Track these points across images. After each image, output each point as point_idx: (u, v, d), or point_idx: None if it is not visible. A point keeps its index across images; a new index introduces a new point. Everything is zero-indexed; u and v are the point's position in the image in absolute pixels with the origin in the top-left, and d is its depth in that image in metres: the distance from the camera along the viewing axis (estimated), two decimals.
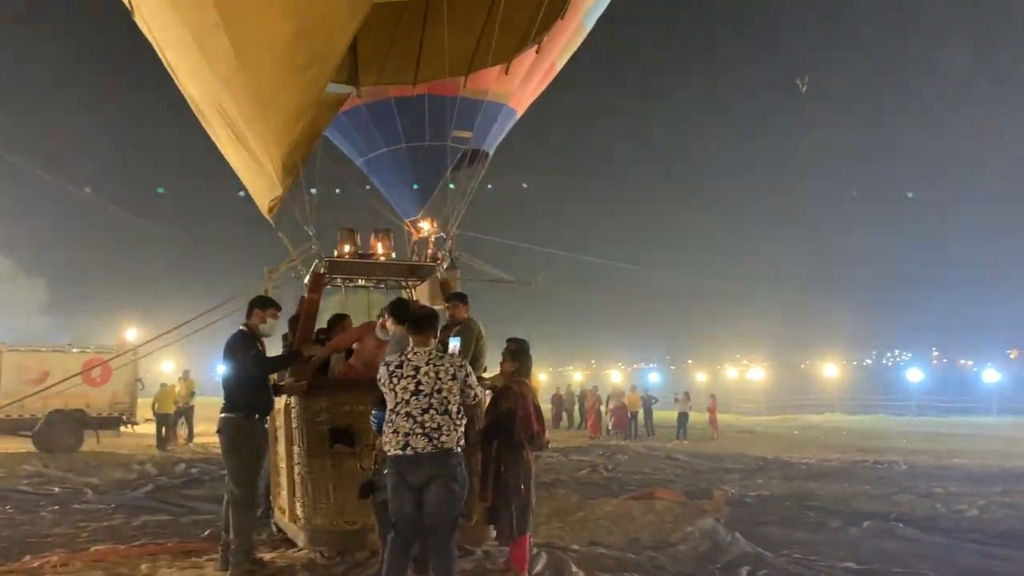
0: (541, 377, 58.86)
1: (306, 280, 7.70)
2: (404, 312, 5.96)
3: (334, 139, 11.67)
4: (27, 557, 6.35)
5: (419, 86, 9.89)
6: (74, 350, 19.58)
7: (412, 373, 4.87)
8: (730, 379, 52.03)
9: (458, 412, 4.95)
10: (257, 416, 6.20)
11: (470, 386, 5.06)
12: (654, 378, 51.54)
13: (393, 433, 4.82)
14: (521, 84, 10.72)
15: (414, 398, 4.83)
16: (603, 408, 26.74)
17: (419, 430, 4.77)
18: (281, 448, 6.93)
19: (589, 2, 9.84)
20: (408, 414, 4.80)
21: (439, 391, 4.86)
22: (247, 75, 6.38)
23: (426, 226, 10.59)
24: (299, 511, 6.40)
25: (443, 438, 4.79)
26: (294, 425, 6.47)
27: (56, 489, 10.65)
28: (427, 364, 4.90)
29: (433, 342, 5.15)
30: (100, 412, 18.38)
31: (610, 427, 25.37)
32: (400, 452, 4.78)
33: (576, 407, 31.41)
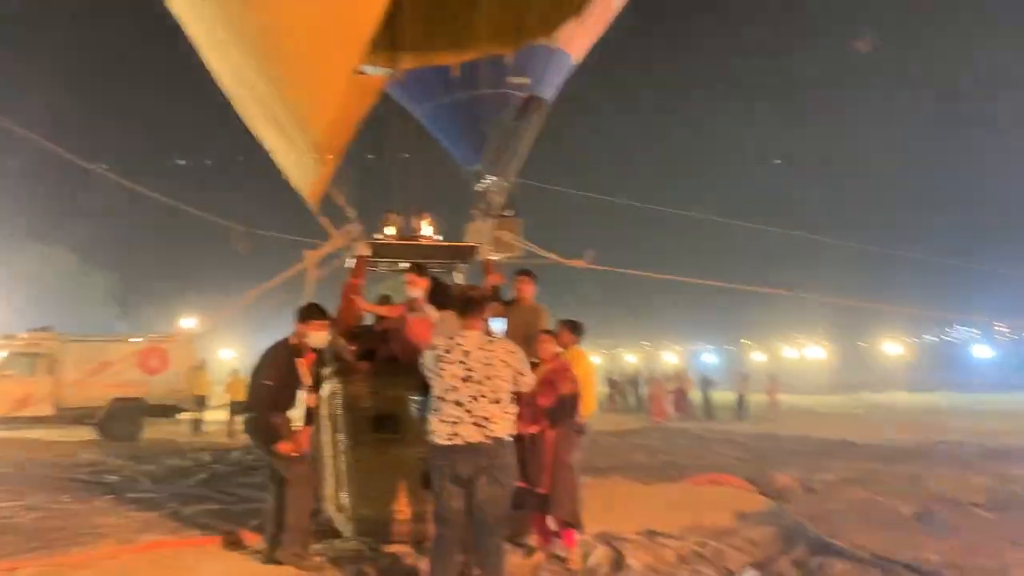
0: (595, 360, 58.71)
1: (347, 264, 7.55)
2: (444, 297, 5.72)
3: (392, 93, 11.48)
4: (75, 549, 6.32)
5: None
6: (131, 339, 19.90)
7: (461, 358, 4.62)
8: (788, 359, 51.01)
9: (510, 401, 4.69)
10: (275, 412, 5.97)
11: (523, 373, 4.80)
12: (710, 359, 50.90)
13: (440, 422, 4.57)
14: (577, 29, 10.31)
15: (464, 384, 4.58)
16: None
17: (468, 419, 4.52)
18: (326, 436, 6.77)
19: None
20: (457, 402, 4.56)
21: (490, 378, 4.61)
22: (278, 55, 6.21)
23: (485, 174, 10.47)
24: (345, 501, 6.24)
25: (493, 427, 4.54)
26: (337, 412, 6.30)
27: (113, 478, 10.73)
28: (478, 349, 4.65)
29: (482, 325, 4.88)
30: (159, 400, 18.61)
31: (671, 410, 24.92)
32: (447, 442, 4.53)
33: (631, 390, 30.95)
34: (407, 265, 8.15)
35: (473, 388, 4.57)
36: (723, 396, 28.16)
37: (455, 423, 4.52)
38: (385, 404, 6.14)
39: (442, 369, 4.62)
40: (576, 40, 10.70)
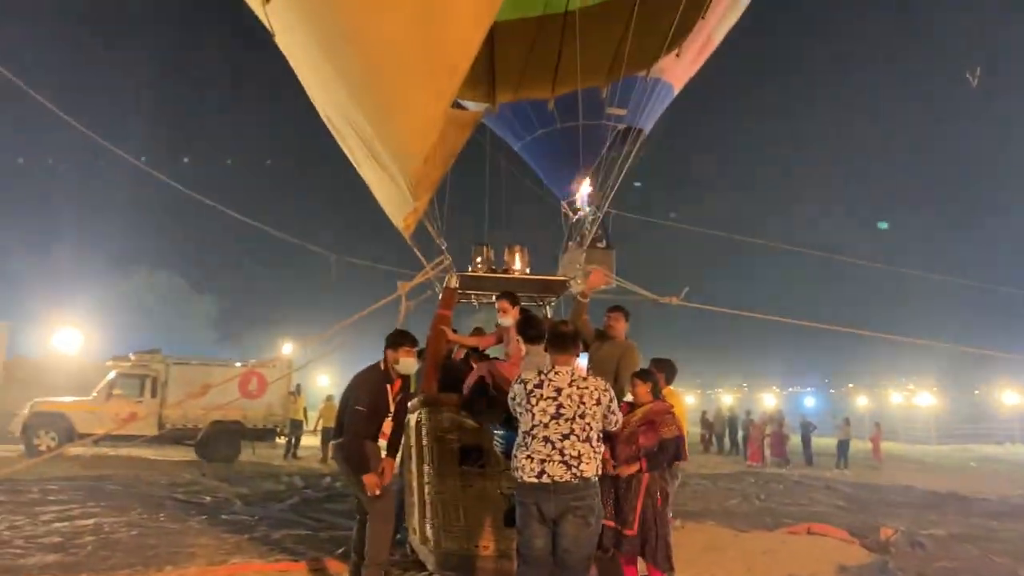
0: (689, 400, 57.41)
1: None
2: (534, 330, 5.63)
3: (490, 125, 11.60)
4: (168, 568, 6.47)
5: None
6: (237, 364, 20.55)
7: (553, 395, 4.50)
8: (895, 404, 48.61)
9: (598, 440, 4.56)
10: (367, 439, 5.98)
11: (613, 412, 4.68)
12: (810, 403, 48.99)
13: (527, 458, 4.46)
14: (677, 61, 10.17)
15: (554, 422, 4.46)
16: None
17: (557, 457, 4.40)
18: (413, 465, 6.75)
19: None
20: (546, 438, 4.44)
21: (582, 416, 4.48)
22: (376, 88, 6.33)
23: (582, 205, 10.40)
24: (428, 532, 6.18)
25: (583, 467, 4.40)
26: (424, 443, 6.27)
27: (207, 499, 11.02)
28: (570, 386, 4.53)
29: (575, 362, 4.77)
30: (256, 424, 19.12)
31: (768, 454, 24.01)
32: (535, 480, 4.41)
33: (726, 432, 30.02)
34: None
35: (564, 426, 4.45)
36: (824, 441, 27.02)
37: (544, 461, 4.41)
38: (471, 436, 6.09)
39: (532, 404, 4.51)
40: (677, 70, 10.56)
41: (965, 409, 46.19)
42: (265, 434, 19.43)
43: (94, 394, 18.23)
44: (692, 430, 32.89)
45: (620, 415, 4.81)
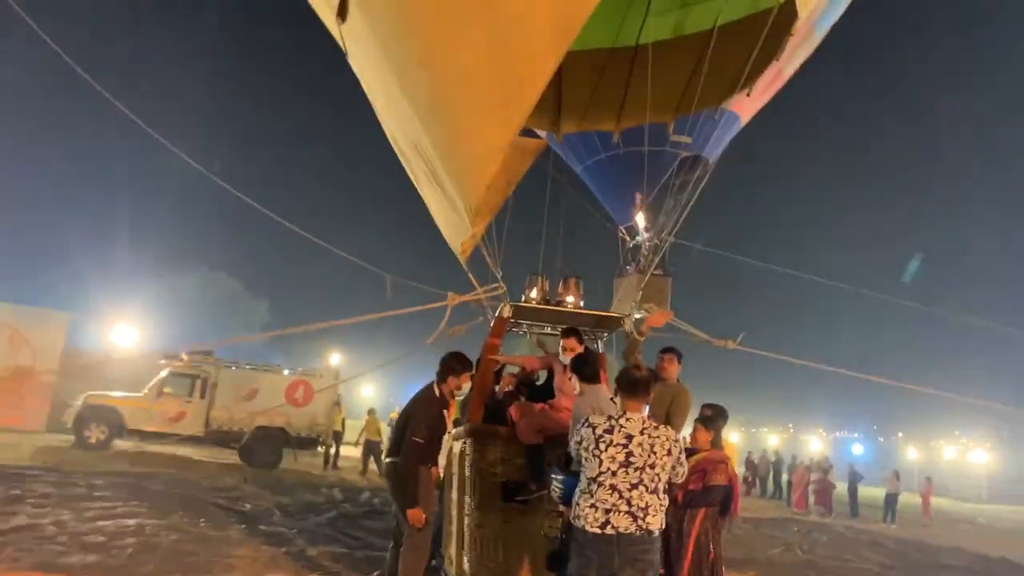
0: (733, 438, 56.44)
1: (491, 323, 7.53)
2: (590, 368, 5.53)
3: (554, 147, 11.58)
4: None
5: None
6: (285, 371, 20.78)
7: (624, 442, 4.32)
8: (946, 459, 47.14)
9: (665, 491, 4.39)
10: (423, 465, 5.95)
11: (681, 463, 4.51)
12: (858, 450, 47.76)
13: (591, 507, 4.28)
14: (748, 96, 10.02)
15: (623, 470, 4.28)
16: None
17: (624, 507, 4.23)
18: (454, 494, 6.70)
19: (813, 17, 8.87)
20: (613, 487, 4.26)
21: (652, 466, 4.31)
22: (444, 113, 6.34)
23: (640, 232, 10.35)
24: (465, 565, 6.11)
25: (649, 519, 4.25)
26: (467, 474, 6.21)
27: (248, 507, 11.10)
28: (641, 434, 4.36)
29: (645, 408, 4.63)
30: (299, 432, 19.26)
31: (811, 502, 23.39)
32: (598, 531, 4.23)
33: (770, 474, 29.39)
34: (550, 328, 8.12)
35: (633, 475, 4.29)
36: (870, 492, 26.27)
37: (609, 511, 4.24)
38: (516, 472, 6.01)
39: (601, 451, 4.33)
40: (745, 102, 10.42)
41: (1018, 468, 44.57)
42: (308, 443, 19.55)
43: (145, 391, 18.57)
44: (737, 470, 32.27)
45: (686, 466, 4.64)
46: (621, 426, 4.37)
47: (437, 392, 5.95)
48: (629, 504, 4.23)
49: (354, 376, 23.37)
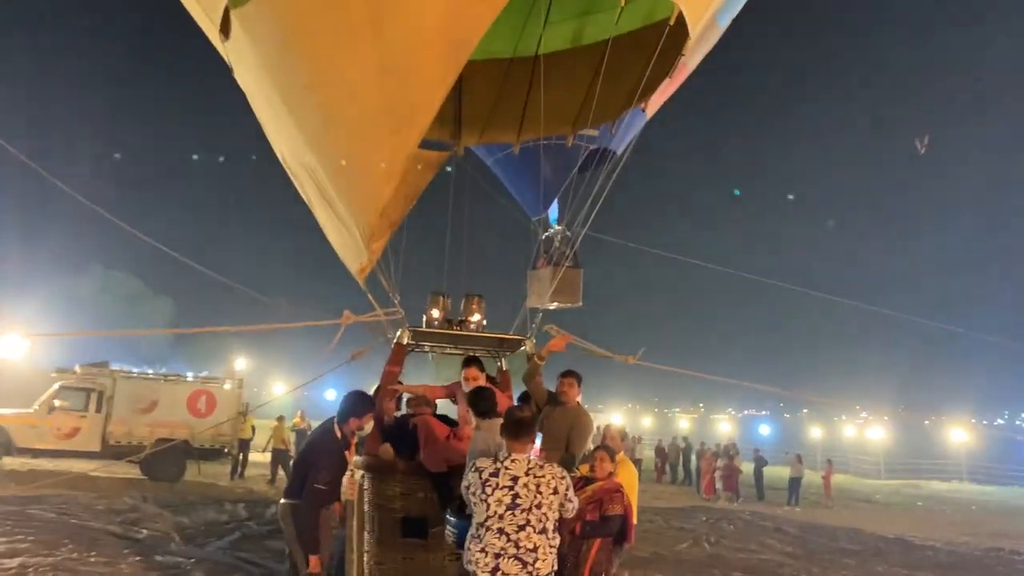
0: (645, 422, 57.53)
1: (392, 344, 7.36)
2: (485, 403, 5.44)
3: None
4: None
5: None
6: (189, 375, 20.07)
7: (509, 484, 4.29)
8: (847, 436, 49.20)
9: (554, 530, 4.36)
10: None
11: (569, 499, 4.49)
12: (765, 430, 49.40)
13: (481, 551, 4.23)
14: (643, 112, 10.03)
15: (509, 512, 4.25)
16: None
17: (512, 550, 4.19)
18: (355, 525, 6.52)
19: (710, 13, 8.89)
20: (500, 530, 4.23)
21: (539, 506, 4.27)
22: (335, 137, 6.15)
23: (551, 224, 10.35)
24: None
25: (539, 564, 4.21)
26: (364, 509, 6.05)
27: (144, 532, 10.63)
28: (526, 475, 4.32)
29: (531, 448, 4.57)
30: (203, 443, 18.65)
31: (718, 487, 24.02)
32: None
33: (680, 461, 30.08)
34: (451, 349, 8.00)
35: (520, 516, 4.25)
36: (776, 472, 27.17)
37: (498, 555, 4.20)
38: (417, 506, 5.89)
39: (488, 494, 4.29)
40: (651, 97, 10.44)
41: (914, 442, 46.87)
42: (212, 454, 18.99)
43: (36, 406, 17.65)
44: (648, 454, 32.94)
45: (576, 501, 4.63)
46: (507, 468, 4.33)
47: (338, 433, 5.72)
48: (517, 546, 4.20)
49: (261, 405, 22.76)
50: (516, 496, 4.26)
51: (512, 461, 4.37)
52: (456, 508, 4.64)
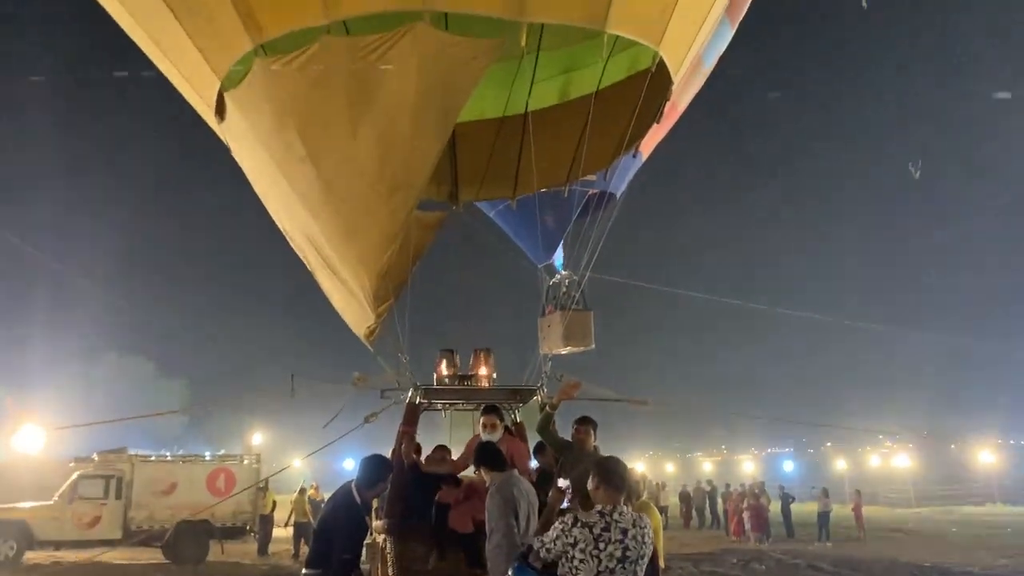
0: (668, 468, 56.88)
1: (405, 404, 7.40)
2: (492, 457, 5.45)
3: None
4: None
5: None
6: (207, 455, 20.01)
7: (620, 537, 4.12)
8: (873, 466, 48.46)
9: None
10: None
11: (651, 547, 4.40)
12: (789, 467, 48.73)
13: None
14: (634, 158, 10.18)
15: (620, 566, 4.08)
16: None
17: None
18: None
19: (698, 48, 9.07)
20: None
21: (642, 558, 4.16)
22: (333, 205, 6.31)
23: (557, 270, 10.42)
24: None
25: None
26: (390, 572, 6.03)
27: None
28: (633, 526, 4.18)
29: (623, 497, 4.34)
30: (224, 522, 18.52)
31: (747, 528, 23.63)
32: None
33: (706, 505, 29.66)
34: (465, 405, 8.04)
35: (629, 569, 4.11)
36: (803, 508, 26.75)
37: None
38: (445, 566, 5.85)
39: (600, 550, 4.09)
40: (645, 139, 10.61)
41: (942, 466, 46.05)
42: (235, 532, 18.83)
43: (55, 498, 17.60)
44: (673, 500, 32.48)
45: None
46: (616, 521, 4.17)
47: (358, 499, 5.70)
48: None
49: (277, 472, 22.67)
50: (627, 549, 4.13)
51: (620, 514, 4.22)
52: (520, 556, 4.56)
